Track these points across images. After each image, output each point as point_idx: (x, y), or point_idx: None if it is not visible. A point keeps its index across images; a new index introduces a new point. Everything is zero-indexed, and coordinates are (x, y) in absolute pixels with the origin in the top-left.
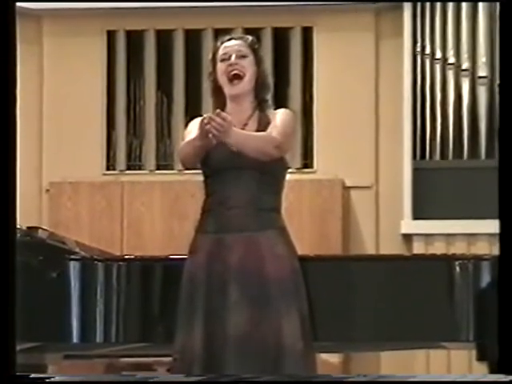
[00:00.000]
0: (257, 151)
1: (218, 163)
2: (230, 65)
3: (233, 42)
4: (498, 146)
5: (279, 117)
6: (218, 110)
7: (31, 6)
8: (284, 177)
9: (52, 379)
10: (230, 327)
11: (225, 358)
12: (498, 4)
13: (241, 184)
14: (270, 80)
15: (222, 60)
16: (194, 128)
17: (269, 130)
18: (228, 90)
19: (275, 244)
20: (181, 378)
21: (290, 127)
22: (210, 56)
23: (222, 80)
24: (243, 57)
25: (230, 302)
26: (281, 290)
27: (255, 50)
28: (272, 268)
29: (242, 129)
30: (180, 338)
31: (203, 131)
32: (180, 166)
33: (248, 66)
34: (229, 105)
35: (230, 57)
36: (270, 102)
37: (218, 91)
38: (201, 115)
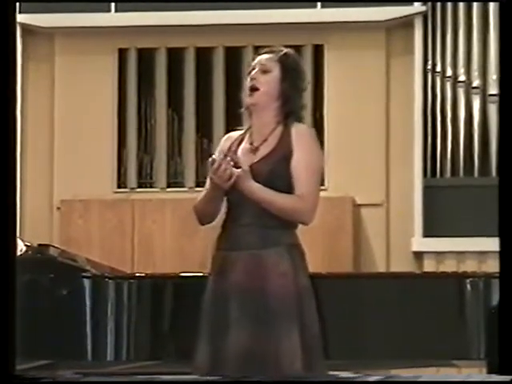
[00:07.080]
0: (283, 215)
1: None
2: (251, 79)
3: (261, 56)
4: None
5: (303, 163)
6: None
7: (43, 25)
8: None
9: (51, 379)
10: (231, 345)
11: (228, 376)
12: None
13: (249, 201)
14: (301, 95)
15: (248, 73)
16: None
17: (294, 185)
18: (246, 99)
19: (279, 262)
20: (181, 378)
21: (316, 176)
22: None
23: (244, 92)
24: (265, 71)
25: (230, 320)
26: (281, 308)
27: (284, 64)
28: (273, 286)
29: (261, 144)
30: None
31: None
32: (191, 184)
33: (267, 81)
34: (252, 117)
35: (252, 70)
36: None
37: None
38: (211, 133)
